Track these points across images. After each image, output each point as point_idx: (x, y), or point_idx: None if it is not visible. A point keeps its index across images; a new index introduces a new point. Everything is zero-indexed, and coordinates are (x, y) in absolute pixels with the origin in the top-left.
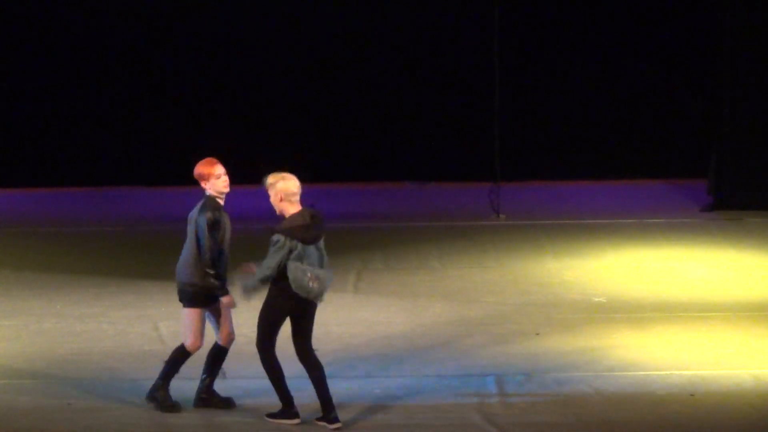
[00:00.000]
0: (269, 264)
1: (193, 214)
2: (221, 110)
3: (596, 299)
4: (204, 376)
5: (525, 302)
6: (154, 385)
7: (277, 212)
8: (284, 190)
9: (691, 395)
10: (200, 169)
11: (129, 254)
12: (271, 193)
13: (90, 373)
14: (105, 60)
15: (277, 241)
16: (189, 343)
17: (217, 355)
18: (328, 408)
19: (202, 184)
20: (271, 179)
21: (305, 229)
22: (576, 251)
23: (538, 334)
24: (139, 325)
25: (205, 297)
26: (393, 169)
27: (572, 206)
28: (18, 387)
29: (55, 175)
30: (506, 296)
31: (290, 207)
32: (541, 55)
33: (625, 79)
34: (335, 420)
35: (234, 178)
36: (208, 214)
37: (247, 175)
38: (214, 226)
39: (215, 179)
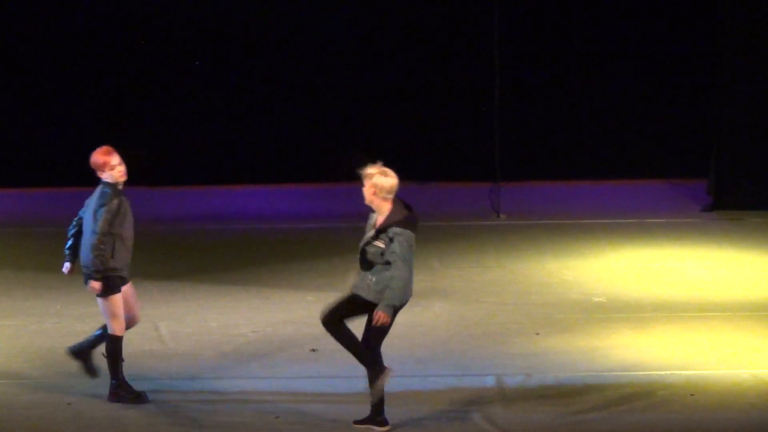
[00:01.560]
0: (402, 272)
1: (91, 201)
2: (226, 110)
3: (596, 299)
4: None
5: (525, 302)
6: (114, 385)
7: (367, 203)
8: (380, 185)
9: (692, 395)
10: (97, 157)
11: None
12: (367, 184)
13: None
14: (108, 59)
15: (406, 237)
16: (117, 329)
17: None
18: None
19: (100, 173)
20: (370, 170)
21: (410, 220)
22: (576, 251)
23: (538, 333)
24: (138, 325)
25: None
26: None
27: (572, 206)
28: (18, 386)
29: (55, 175)
30: (506, 296)
31: (383, 204)
32: (541, 55)
33: (625, 79)
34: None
35: (243, 178)
36: (115, 201)
37: (255, 174)
38: (118, 212)
39: (110, 170)
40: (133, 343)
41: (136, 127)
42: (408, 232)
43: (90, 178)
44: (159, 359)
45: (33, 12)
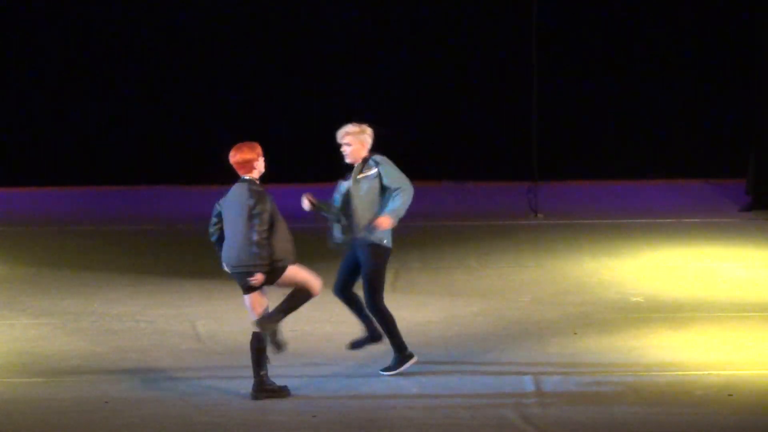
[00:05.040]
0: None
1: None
2: (260, 109)
3: (634, 299)
4: (259, 370)
5: (562, 301)
6: (257, 382)
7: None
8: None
9: (730, 395)
10: (248, 154)
11: (166, 253)
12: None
13: (127, 371)
14: (145, 60)
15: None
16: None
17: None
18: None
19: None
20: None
21: None
22: (613, 250)
23: (575, 333)
24: (176, 323)
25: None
26: (431, 168)
27: (610, 206)
28: (57, 385)
29: (92, 174)
30: (544, 295)
31: None
32: (578, 54)
33: (663, 79)
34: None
35: (275, 177)
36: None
37: (290, 173)
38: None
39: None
40: (170, 342)
41: (175, 126)
42: None
43: (127, 177)
44: (197, 358)
45: (51, 6)
